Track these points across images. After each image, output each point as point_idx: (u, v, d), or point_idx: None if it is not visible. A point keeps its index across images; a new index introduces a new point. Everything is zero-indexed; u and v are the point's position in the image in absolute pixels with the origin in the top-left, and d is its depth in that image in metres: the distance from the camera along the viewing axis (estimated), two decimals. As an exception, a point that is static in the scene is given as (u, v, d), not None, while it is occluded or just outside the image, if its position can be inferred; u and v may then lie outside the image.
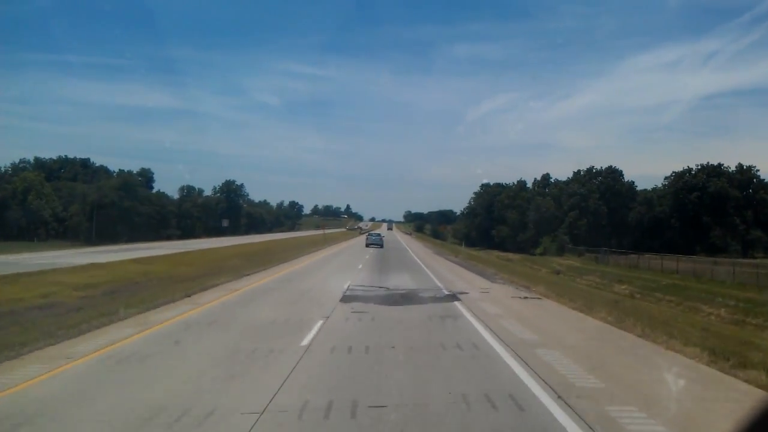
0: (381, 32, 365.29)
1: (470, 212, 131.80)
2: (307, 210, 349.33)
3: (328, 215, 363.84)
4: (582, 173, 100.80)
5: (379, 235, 74.09)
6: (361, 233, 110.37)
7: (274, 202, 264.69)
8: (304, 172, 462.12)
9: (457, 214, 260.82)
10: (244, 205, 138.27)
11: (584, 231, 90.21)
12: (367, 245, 60.27)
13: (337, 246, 58.12)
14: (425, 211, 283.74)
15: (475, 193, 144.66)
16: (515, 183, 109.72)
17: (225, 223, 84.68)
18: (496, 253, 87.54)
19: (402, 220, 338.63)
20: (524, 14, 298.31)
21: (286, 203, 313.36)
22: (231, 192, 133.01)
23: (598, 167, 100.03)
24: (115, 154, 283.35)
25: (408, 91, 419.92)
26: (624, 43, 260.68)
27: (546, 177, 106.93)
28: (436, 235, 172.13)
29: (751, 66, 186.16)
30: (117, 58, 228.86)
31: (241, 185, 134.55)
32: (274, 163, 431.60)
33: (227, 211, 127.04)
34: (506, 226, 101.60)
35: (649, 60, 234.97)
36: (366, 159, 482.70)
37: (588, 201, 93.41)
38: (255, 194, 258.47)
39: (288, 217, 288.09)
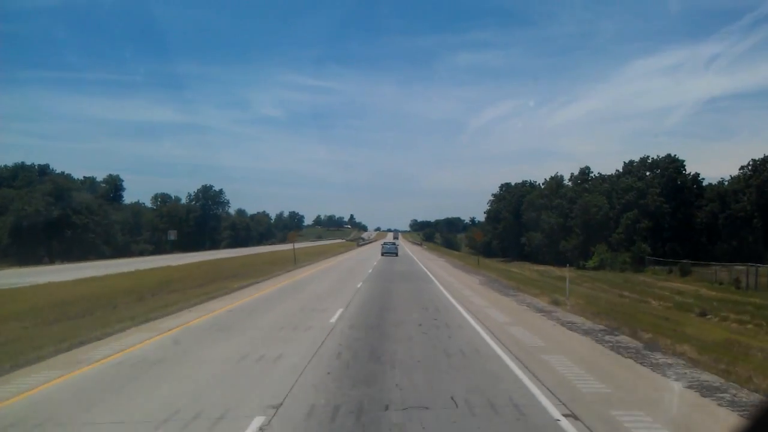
0: (383, 42, 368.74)
1: (490, 217, 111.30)
2: (309, 221, 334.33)
3: (331, 225, 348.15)
4: (635, 164, 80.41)
5: (394, 244, 69.51)
6: (359, 245, 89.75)
7: (280, 214, 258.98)
8: (308, 183, 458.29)
9: (466, 222, 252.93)
10: (223, 214, 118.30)
11: (643, 235, 69.75)
12: (383, 254, 58.38)
13: (306, 271, 36.10)
14: (432, 219, 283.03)
15: (494, 195, 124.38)
16: (547, 179, 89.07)
17: (171, 235, 64.97)
18: (534, 267, 67.04)
19: (408, 229, 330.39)
20: (526, 22, 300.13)
21: (286, 214, 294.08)
22: (208, 199, 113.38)
23: (654, 156, 79.48)
24: (116, 169, 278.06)
25: (411, 101, 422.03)
26: (625, 48, 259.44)
27: (585, 171, 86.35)
28: (449, 244, 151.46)
29: (753, 68, 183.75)
30: (120, 74, 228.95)
31: (220, 191, 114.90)
32: (278, 175, 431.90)
33: (203, 221, 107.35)
34: (540, 232, 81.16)
35: (651, 64, 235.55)
36: (370, 169, 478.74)
37: (646, 197, 72.94)
38: (258, 206, 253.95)
39: (288, 228, 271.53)
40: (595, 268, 64.83)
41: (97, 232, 69.52)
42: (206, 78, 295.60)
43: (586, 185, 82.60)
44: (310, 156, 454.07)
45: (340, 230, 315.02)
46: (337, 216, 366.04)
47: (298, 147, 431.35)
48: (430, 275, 32.72)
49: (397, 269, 38.34)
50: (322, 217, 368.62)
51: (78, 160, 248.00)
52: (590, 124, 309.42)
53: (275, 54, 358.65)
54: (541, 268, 68.52)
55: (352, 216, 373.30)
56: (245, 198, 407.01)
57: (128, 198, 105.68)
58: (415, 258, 56.66)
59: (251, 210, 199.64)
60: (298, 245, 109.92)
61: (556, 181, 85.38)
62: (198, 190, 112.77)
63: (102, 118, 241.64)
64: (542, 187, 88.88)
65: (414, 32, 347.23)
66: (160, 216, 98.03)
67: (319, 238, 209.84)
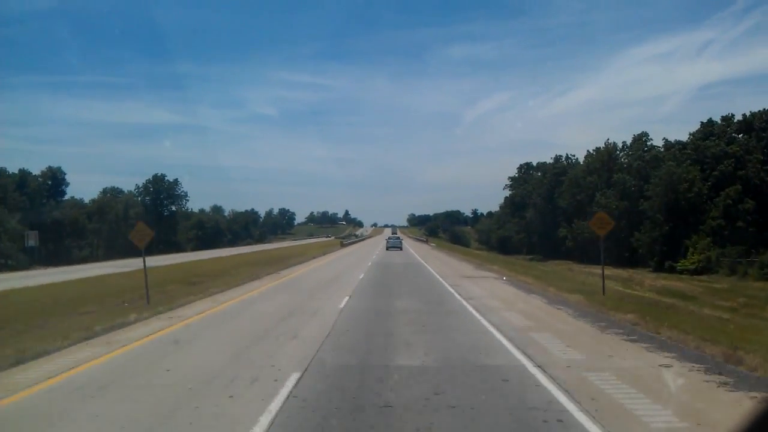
0: (376, 37, 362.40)
1: (509, 206, 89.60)
2: (301, 218, 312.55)
3: (325, 222, 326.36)
4: (716, 124, 58.63)
5: (398, 238, 68.74)
6: (344, 245, 67.36)
7: (270, 212, 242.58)
8: (303, 181, 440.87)
9: (466, 215, 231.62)
10: (180, 210, 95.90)
11: (747, 220, 48.38)
12: (387, 248, 57.14)
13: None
14: (430, 213, 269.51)
15: (512, 179, 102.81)
16: (592, 151, 67.09)
17: (31, 239, 42.69)
18: (590, 269, 45.77)
19: (405, 224, 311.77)
20: (518, 12, 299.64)
21: (276, 211, 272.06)
22: (161, 192, 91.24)
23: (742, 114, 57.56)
24: (114, 172, 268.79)
25: (405, 95, 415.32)
26: (619, 37, 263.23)
27: (642, 137, 64.19)
28: (455, 239, 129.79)
29: (746, 54, 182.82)
30: (115, 76, 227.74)
31: (175, 182, 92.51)
32: (273, 173, 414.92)
33: (151, 218, 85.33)
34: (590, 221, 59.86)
35: (645, 52, 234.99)
36: (366, 165, 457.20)
37: (746, 167, 51.47)
38: (258, 205, 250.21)
39: (278, 226, 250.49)
40: (696, 272, 43.20)
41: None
42: (202, 78, 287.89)
43: (645, 155, 60.51)
44: (306, 153, 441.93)
45: (334, 227, 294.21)
46: (330, 212, 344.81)
47: (293, 145, 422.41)
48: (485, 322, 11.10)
49: (406, 289, 17.31)
50: (316, 213, 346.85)
51: (76, 162, 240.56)
52: (586, 113, 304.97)
53: (269, 52, 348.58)
54: (608, 271, 47.02)
55: (347, 212, 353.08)
56: (245, 197, 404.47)
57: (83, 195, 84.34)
58: (430, 268, 31.02)
59: (248, 209, 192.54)
60: (265, 247, 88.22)
61: (607, 151, 63.42)
62: (147, 181, 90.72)
63: (97, 121, 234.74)
64: (585, 161, 66.94)
65: (407, 26, 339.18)
66: (89, 215, 76.03)
67: (311, 236, 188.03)
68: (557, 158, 75.89)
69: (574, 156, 75.71)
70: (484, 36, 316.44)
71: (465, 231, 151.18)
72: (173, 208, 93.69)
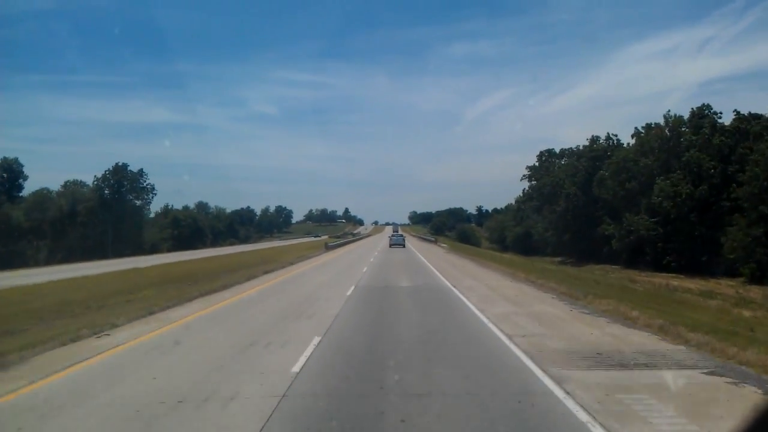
0: (376, 36, 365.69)
1: (532, 200, 76.19)
2: (300, 216, 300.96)
3: (323, 220, 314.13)
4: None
5: (401, 236, 69.75)
6: (328, 248, 52.34)
7: (266, 209, 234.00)
8: (304, 179, 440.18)
9: (469, 212, 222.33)
10: (144, 204, 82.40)
11: None
12: (391, 246, 58.06)
13: None
14: (432, 210, 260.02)
15: (530, 168, 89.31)
16: (640, 128, 53.41)
17: None
18: (659, 279, 32.69)
19: (407, 222, 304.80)
20: (518, 10, 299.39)
21: (272, 209, 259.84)
22: (122, 184, 77.91)
23: None
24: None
25: (406, 93, 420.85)
26: (619, 34, 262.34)
27: (702, 110, 50.51)
28: (464, 238, 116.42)
29: (746, 50, 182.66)
30: (115, 75, 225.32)
31: (140, 173, 79.12)
32: (274, 172, 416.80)
33: (110, 214, 72.35)
34: (651, 213, 46.40)
35: (646, 49, 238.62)
36: (366, 163, 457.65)
37: None
38: (255, 204, 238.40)
39: (274, 224, 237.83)
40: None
41: None
42: (202, 77, 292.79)
43: (703, 127, 46.99)
44: (307, 152, 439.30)
45: (333, 225, 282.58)
46: (330, 210, 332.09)
47: (293, 143, 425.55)
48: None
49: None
50: (314, 211, 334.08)
51: (76, 162, 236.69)
52: (587, 111, 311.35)
53: (269, 51, 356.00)
54: (687, 282, 33.52)
55: (346, 209, 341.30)
56: (245, 196, 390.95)
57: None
58: (484, 317, 12.63)
59: (243, 207, 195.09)
60: (243, 248, 74.26)
61: (670, 126, 49.80)
62: (107, 171, 77.25)
63: (97, 120, 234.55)
64: (637, 141, 53.32)
65: (407, 24, 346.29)
66: (28, 211, 62.94)
67: (308, 234, 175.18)
68: (594, 140, 62.26)
69: (615, 136, 61.95)
70: (484, 34, 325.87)
71: (472, 229, 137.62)
72: (137, 203, 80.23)
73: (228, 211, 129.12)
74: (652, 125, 53.56)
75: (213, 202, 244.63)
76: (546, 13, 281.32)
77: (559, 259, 68.27)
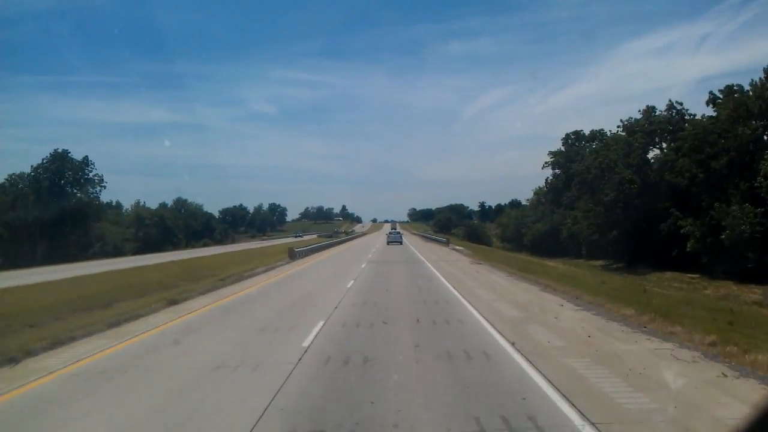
0: (374, 35, 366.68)
1: (578, 190, 61.78)
2: (295, 214, 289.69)
3: (320, 218, 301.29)
4: None
5: (399, 233, 71.48)
6: (295, 258, 33.15)
7: (259, 207, 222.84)
8: (302, 178, 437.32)
9: (470, 208, 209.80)
10: (92, 199, 67.72)
11: None
12: (388, 243, 59.71)
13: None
14: (432, 207, 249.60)
15: (553, 154, 75.97)
16: (729, 89, 39.42)
17: None
18: None
19: (406, 219, 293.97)
20: (516, 7, 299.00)
21: (266, 206, 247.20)
22: (63, 172, 63.83)
23: None
24: (114, 171, 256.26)
25: (404, 92, 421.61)
26: (617, 31, 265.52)
27: None
28: (475, 237, 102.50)
29: (744, 46, 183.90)
30: (114, 76, 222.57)
31: (84, 161, 64.85)
32: (273, 171, 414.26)
33: (44, 208, 58.44)
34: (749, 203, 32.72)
35: (644, 46, 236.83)
36: (365, 161, 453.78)
37: None
38: (254, 202, 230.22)
39: (268, 222, 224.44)
40: None
41: None
42: (201, 76, 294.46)
43: None
44: (305, 150, 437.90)
45: (330, 223, 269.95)
46: (326, 207, 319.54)
47: (292, 142, 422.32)
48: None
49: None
50: (310, 209, 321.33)
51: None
52: (586, 108, 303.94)
53: (267, 50, 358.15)
54: None
55: (343, 207, 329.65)
56: (245, 195, 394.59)
57: None
58: None
59: (236, 205, 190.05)
60: (210, 252, 57.22)
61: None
62: (45, 159, 63.12)
63: (96, 120, 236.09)
64: (725, 105, 39.17)
65: (404, 22, 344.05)
66: None
67: (304, 232, 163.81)
68: (649, 110, 48.14)
69: (680, 104, 47.44)
70: (482, 31, 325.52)
71: (482, 226, 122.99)
72: (81, 196, 66.02)
73: (205, 209, 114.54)
74: (734, 87, 39.77)
75: (212, 202, 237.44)
76: (544, 11, 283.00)
77: (600, 262, 54.55)
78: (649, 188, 44.37)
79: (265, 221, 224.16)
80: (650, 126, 46.49)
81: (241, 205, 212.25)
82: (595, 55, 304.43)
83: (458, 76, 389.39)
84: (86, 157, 66.52)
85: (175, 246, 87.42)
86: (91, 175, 66.58)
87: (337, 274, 24.57)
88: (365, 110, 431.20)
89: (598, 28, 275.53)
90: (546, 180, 75.02)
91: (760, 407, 1.54)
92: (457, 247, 53.17)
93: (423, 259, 36.21)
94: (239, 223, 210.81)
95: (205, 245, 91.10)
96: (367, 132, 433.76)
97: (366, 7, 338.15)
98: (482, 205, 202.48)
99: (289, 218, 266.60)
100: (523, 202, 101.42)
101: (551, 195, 73.87)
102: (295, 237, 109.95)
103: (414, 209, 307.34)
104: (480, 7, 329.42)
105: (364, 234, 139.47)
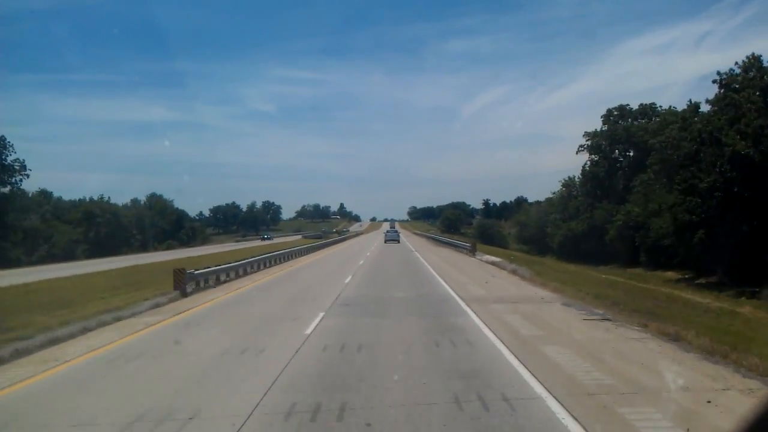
0: (373, 33, 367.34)
1: (595, 182, 47.09)
2: (291, 212, 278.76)
3: (317, 217, 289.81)
4: None
5: (396, 232, 71.50)
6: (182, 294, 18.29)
7: (252, 205, 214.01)
8: (302, 176, 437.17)
9: (472, 207, 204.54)
10: (16, 192, 53.35)
11: None
12: (386, 241, 60.90)
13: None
14: (433, 205, 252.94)
15: (589, 135, 61.91)
16: None
17: None
18: None
19: (406, 218, 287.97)
20: (515, 6, 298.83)
21: (258, 204, 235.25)
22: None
23: None
24: (114, 170, 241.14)
25: (403, 90, 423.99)
26: (616, 29, 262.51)
27: None
28: (488, 238, 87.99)
29: (744, 45, 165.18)
30: (113, 74, 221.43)
31: (1, 142, 51.03)
32: (273, 169, 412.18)
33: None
34: None
35: (643, 44, 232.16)
36: (364, 159, 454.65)
37: None
38: (253, 201, 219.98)
39: (261, 221, 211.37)
40: None
41: None
42: (200, 75, 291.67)
43: None
44: (305, 149, 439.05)
45: (327, 222, 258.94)
46: (323, 206, 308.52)
47: (291, 141, 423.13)
48: None
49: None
50: (307, 206, 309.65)
51: (73, 162, 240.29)
52: (585, 106, 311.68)
53: (267, 49, 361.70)
54: None
55: (341, 205, 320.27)
56: (246, 194, 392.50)
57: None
58: None
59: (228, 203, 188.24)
60: (163, 257, 37.32)
61: None
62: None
63: (96, 119, 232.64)
64: None
65: (404, 21, 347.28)
66: None
67: (298, 231, 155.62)
68: (754, 59, 33.74)
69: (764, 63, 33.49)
70: (481, 30, 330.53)
71: (495, 224, 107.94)
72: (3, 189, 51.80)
73: (175, 205, 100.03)
74: None
75: (212, 201, 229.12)
76: (543, 9, 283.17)
77: (673, 274, 39.96)
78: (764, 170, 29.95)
79: (258, 219, 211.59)
80: (761, 81, 31.93)
81: (233, 203, 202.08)
82: (594, 54, 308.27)
83: (458, 74, 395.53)
84: (2, 137, 52.19)
85: (131, 248, 73.34)
86: (7, 161, 52.21)
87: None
88: (365, 109, 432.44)
89: (598, 26, 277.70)
90: (583, 167, 60.48)
91: (759, 408, 1.48)
92: (492, 258, 35.25)
93: (451, 292, 16.66)
94: (231, 221, 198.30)
95: (169, 247, 76.73)
96: (367, 130, 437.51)
97: (365, 5, 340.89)
98: (486, 202, 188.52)
99: (285, 216, 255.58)
100: (546, 197, 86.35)
101: (589, 186, 59.39)
102: (263, 240, 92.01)
103: (414, 207, 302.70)
104: (479, 6, 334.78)
105: (359, 234, 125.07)
